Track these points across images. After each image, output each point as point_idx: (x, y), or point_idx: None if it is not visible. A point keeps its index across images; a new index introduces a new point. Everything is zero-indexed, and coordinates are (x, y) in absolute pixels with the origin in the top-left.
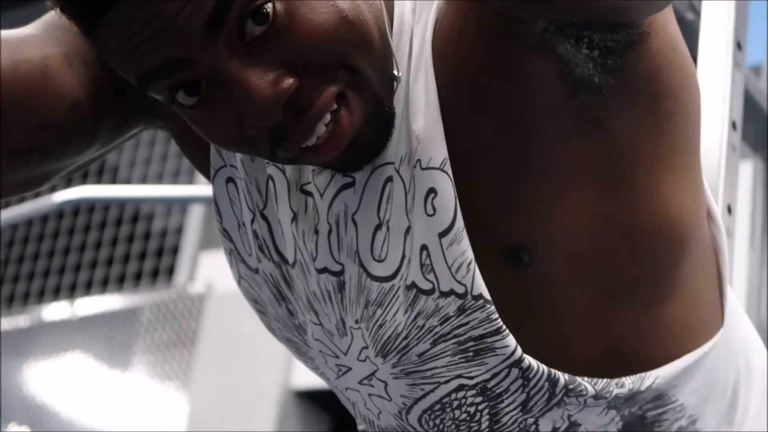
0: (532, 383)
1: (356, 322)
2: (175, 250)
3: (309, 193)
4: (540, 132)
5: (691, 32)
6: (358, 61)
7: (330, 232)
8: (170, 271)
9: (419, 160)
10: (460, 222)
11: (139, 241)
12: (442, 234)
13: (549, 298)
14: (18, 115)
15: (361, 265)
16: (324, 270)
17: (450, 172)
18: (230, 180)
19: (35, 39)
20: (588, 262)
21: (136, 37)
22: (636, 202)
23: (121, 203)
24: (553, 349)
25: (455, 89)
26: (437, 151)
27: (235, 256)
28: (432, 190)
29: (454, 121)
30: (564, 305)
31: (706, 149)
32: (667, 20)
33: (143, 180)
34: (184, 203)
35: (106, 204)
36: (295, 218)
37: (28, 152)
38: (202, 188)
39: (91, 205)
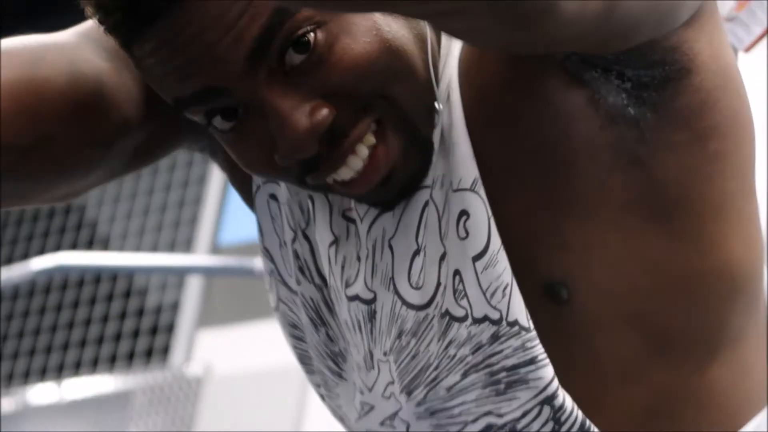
0: (564, 428)
1: (385, 354)
2: (170, 328)
3: (352, 220)
4: (574, 163)
5: None
6: (397, 92)
7: (366, 257)
8: (165, 350)
9: (450, 181)
10: (495, 243)
11: (131, 318)
12: (476, 257)
13: (587, 341)
14: (71, 133)
15: (396, 293)
16: (355, 298)
17: (482, 192)
18: (273, 197)
19: (87, 50)
20: (628, 305)
21: (173, 60)
22: (680, 248)
23: (112, 272)
24: (590, 401)
25: (482, 107)
26: (467, 171)
27: (276, 278)
28: (464, 212)
29: (484, 141)
30: (603, 350)
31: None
32: (715, 55)
33: (136, 251)
34: (181, 275)
35: (95, 273)
36: (335, 243)
37: (73, 168)
38: (200, 258)
39: (80, 279)
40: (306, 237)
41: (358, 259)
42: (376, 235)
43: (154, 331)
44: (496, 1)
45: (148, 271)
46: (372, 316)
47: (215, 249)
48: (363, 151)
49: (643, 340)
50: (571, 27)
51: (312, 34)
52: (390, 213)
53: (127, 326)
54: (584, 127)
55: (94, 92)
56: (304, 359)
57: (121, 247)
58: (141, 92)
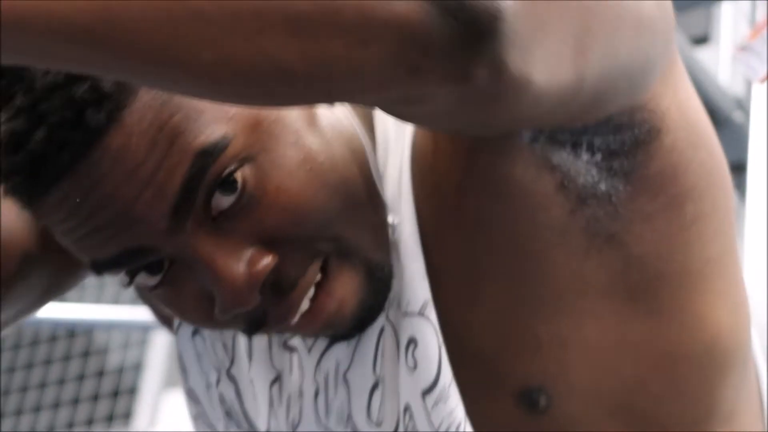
0: None
1: None
2: (133, 390)
3: (293, 349)
4: (545, 255)
5: (739, 134)
6: (344, 230)
7: (317, 393)
8: (127, 415)
9: (399, 302)
10: (446, 376)
11: (91, 380)
12: (426, 391)
13: None
14: None
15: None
16: None
17: (433, 316)
18: (197, 332)
19: None
20: (613, 399)
21: (86, 223)
22: (665, 326)
23: (69, 328)
24: None
25: (438, 211)
26: (416, 292)
27: (204, 421)
28: (412, 340)
29: (442, 246)
30: None
31: (754, 256)
32: (684, 108)
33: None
34: (145, 331)
35: (50, 331)
36: (277, 380)
37: None
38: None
39: (33, 338)
40: (231, 377)
41: (300, 394)
42: (328, 368)
43: (115, 393)
44: (464, 83)
45: (110, 326)
46: None
47: None
48: (310, 291)
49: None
50: (540, 102)
51: (239, 173)
52: (345, 342)
53: (86, 389)
54: (554, 215)
55: None
56: None
57: (80, 299)
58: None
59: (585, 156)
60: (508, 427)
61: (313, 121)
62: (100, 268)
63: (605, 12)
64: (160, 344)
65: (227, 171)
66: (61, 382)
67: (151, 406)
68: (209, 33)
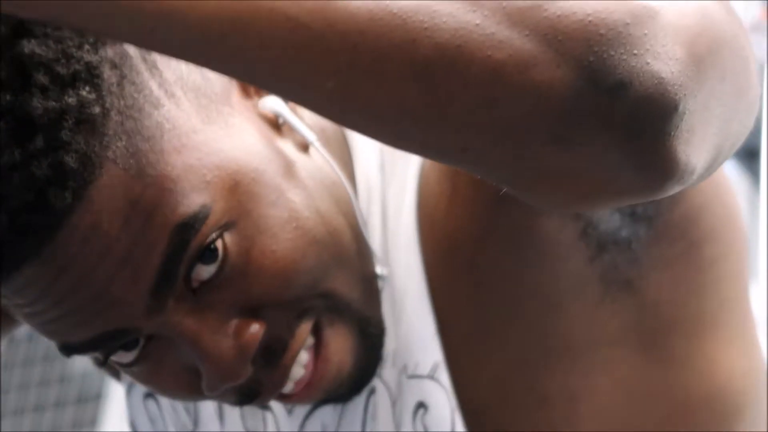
0: None
1: None
2: (98, 396)
3: (267, 408)
4: (559, 306)
5: None
6: (334, 284)
7: None
8: (93, 422)
9: (405, 365)
10: None
11: (54, 386)
12: None
13: None
14: None
15: None
16: None
17: (445, 379)
18: (149, 396)
19: None
20: None
21: (55, 308)
22: (678, 373)
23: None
24: None
25: (450, 267)
26: (426, 353)
27: None
28: (421, 405)
29: (451, 310)
30: None
31: None
32: None
33: None
34: None
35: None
36: None
37: None
38: None
39: None
40: None
41: None
42: None
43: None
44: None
45: None
46: None
47: None
48: (303, 357)
49: None
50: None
51: (219, 241)
52: (330, 405)
53: (50, 395)
54: (573, 264)
55: None
56: None
57: None
58: None
59: None
60: None
61: (292, 174)
62: (72, 351)
63: (748, 93)
64: None
65: (208, 240)
66: (25, 387)
67: (118, 414)
68: (333, 63)
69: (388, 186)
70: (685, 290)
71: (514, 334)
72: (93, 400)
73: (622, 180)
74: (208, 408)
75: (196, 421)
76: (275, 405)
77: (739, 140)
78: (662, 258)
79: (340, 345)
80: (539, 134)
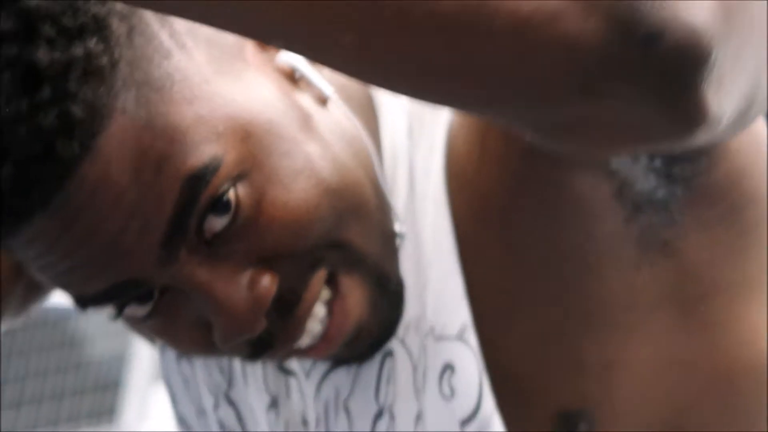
0: None
1: None
2: (117, 385)
3: (290, 373)
4: (595, 269)
5: None
6: (348, 235)
7: (318, 422)
8: (111, 411)
9: (432, 327)
10: (488, 405)
11: (71, 374)
12: (466, 421)
13: None
14: None
15: None
16: None
17: (473, 340)
18: (183, 357)
19: None
20: (663, 422)
21: (65, 260)
22: (720, 340)
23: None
24: None
25: (481, 227)
26: (454, 315)
27: None
28: (448, 366)
29: (481, 270)
30: None
31: None
32: None
33: None
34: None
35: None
36: (274, 404)
37: None
38: None
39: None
40: (230, 402)
41: (304, 422)
42: (328, 396)
43: (98, 388)
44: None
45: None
46: None
47: None
48: (320, 310)
49: None
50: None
51: (232, 192)
52: (344, 368)
53: (68, 383)
54: (608, 225)
55: None
56: None
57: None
58: None
59: (644, 161)
60: None
61: (309, 126)
62: (86, 303)
63: None
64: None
65: (220, 191)
66: (35, 375)
67: (138, 402)
68: (351, 17)
69: (416, 149)
70: (725, 254)
71: (547, 297)
72: (111, 387)
73: (651, 128)
74: (237, 370)
75: (230, 382)
76: (297, 367)
77: None
78: (701, 220)
79: (358, 298)
80: (567, 88)
